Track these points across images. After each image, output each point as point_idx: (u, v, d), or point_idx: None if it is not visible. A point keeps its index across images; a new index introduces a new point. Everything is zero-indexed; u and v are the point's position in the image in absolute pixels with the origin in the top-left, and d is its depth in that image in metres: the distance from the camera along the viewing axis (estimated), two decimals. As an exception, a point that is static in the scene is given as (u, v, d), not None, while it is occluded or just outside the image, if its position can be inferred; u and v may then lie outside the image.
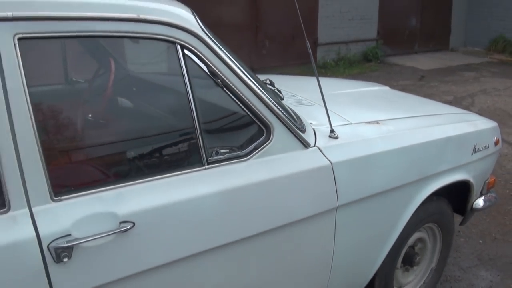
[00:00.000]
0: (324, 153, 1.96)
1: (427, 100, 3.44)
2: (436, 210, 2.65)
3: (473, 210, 2.89)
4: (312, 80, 3.00)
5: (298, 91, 2.86)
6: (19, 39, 1.34)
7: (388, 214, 2.28)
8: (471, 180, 2.70)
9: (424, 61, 11.06)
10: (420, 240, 2.75)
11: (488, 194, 2.99)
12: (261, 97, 1.77)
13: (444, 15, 12.57)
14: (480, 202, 2.90)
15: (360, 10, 10.82)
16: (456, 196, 2.81)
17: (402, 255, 2.61)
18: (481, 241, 3.64)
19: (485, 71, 10.16)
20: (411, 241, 2.65)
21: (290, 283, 2.01)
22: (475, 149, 2.68)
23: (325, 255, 2.04)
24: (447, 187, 2.56)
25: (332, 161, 1.95)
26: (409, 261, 2.67)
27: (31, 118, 1.35)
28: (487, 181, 2.94)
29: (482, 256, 3.44)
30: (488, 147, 2.79)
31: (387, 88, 3.52)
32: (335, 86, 3.29)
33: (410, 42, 12.05)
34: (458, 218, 2.99)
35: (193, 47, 1.62)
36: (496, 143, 2.89)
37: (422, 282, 2.86)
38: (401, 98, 3.26)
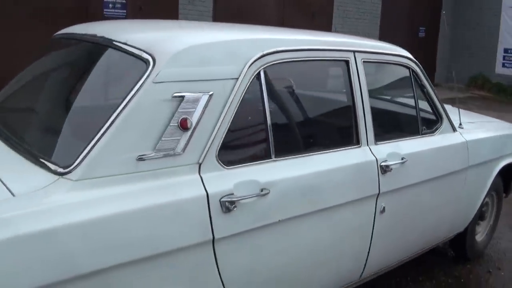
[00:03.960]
0: (462, 135, 3.42)
1: (480, 114, 4.97)
2: (497, 182, 4.11)
3: (516, 186, 4.39)
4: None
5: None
6: (363, 61, 2.75)
7: (484, 178, 3.74)
8: (519, 164, 4.19)
9: (415, 94, 12.68)
10: (486, 203, 4.20)
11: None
12: (439, 99, 3.24)
13: (430, 54, 14.41)
14: (520, 181, 4.40)
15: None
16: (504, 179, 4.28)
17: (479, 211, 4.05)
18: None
19: (470, 104, 11.88)
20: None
21: (442, 209, 3.39)
22: None
23: (460, 195, 3.48)
24: (503, 168, 4.03)
25: (466, 139, 3.41)
26: (481, 217, 4.11)
27: (367, 102, 2.72)
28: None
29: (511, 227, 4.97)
30: (526, 144, 4.30)
31: (449, 106, 5.04)
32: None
33: (401, 77, 13.66)
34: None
35: (415, 70, 3.10)
36: None
37: (484, 234, 4.29)
38: (467, 112, 4.80)
